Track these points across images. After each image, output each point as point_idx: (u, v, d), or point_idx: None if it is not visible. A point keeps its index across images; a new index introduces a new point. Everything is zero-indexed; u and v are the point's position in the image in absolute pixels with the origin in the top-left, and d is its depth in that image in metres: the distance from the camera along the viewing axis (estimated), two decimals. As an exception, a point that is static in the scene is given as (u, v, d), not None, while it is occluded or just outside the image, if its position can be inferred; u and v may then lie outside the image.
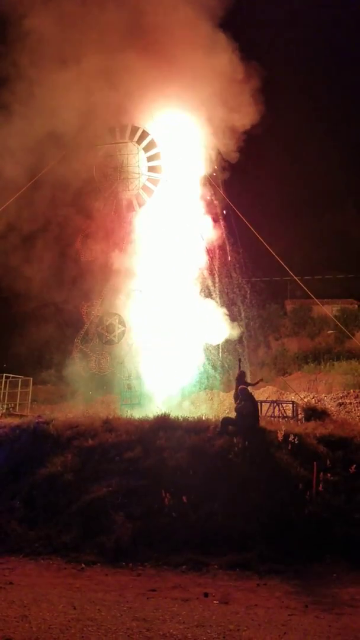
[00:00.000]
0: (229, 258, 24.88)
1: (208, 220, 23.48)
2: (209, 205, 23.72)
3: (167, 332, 21.00)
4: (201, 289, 22.57)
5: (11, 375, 23.76)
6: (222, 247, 24.22)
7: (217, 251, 23.93)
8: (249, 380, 16.60)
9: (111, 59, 21.62)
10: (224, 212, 23.98)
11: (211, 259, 23.22)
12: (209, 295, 22.54)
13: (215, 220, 23.83)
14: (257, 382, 17.67)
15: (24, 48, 21.18)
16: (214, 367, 22.50)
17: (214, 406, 21.17)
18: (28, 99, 21.25)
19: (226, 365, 22.53)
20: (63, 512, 11.98)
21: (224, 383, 23.41)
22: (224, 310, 22.38)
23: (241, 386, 15.02)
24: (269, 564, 10.25)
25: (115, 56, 21.67)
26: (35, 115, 21.12)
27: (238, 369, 16.17)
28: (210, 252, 23.48)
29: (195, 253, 22.87)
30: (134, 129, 23.50)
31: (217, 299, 22.64)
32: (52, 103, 21.14)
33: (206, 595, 8.92)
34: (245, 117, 22.95)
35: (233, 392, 15.96)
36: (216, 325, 21.75)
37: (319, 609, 8.39)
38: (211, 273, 23.22)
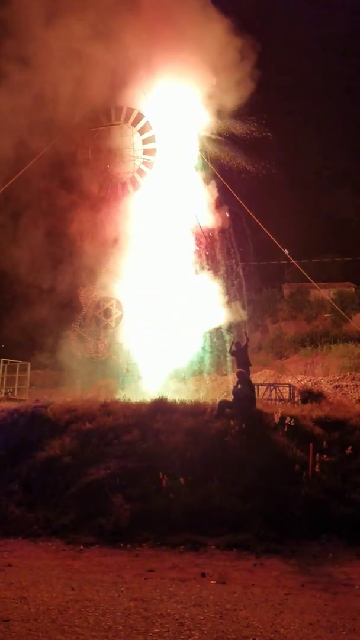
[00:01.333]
0: (225, 242, 24.84)
1: (203, 203, 23.38)
2: (204, 188, 23.60)
3: (162, 316, 21.00)
4: (196, 273, 22.53)
5: (9, 360, 23.77)
6: (217, 231, 24.17)
7: (213, 235, 23.87)
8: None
9: (104, 34, 21.34)
10: (218, 195, 23.90)
11: (207, 243, 23.15)
12: (203, 279, 22.50)
13: (210, 204, 23.75)
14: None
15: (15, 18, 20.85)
16: (209, 351, 22.54)
17: (209, 389, 21.21)
18: (20, 74, 20.93)
19: (216, 350, 22.57)
20: (61, 495, 12.05)
21: (217, 367, 23.45)
22: (219, 294, 22.37)
23: (239, 370, 15.12)
24: (266, 544, 10.31)
25: (109, 30, 21.41)
26: (27, 88, 20.85)
27: (234, 344, 16.22)
28: (205, 236, 23.42)
29: (190, 237, 22.80)
30: (129, 111, 23.31)
31: (213, 283, 22.60)
32: (43, 76, 20.85)
33: (203, 575, 8.98)
34: (239, 93, 22.78)
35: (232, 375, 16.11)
36: (211, 309, 21.75)
37: (315, 588, 8.45)
38: (206, 257, 23.16)
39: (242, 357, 15.74)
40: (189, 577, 8.92)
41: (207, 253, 23.06)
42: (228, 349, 16.64)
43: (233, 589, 8.38)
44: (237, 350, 16.01)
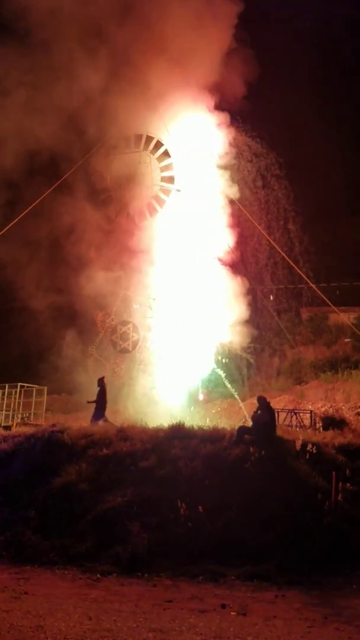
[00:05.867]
0: (243, 267, 24.88)
1: (222, 230, 23.50)
2: (224, 213, 23.73)
3: (181, 339, 21.01)
4: (216, 298, 22.50)
5: (26, 384, 23.73)
6: (235, 256, 24.22)
7: (231, 260, 23.93)
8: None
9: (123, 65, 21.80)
10: (236, 220, 24.04)
11: (227, 267, 23.22)
12: (221, 302, 22.48)
13: (230, 229, 23.86)
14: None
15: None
16: (229, 375, 22.38)
17: (230, 415, 20.96)
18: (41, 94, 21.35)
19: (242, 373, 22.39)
20: (78, 522, 11.87)
21: (240, 390, 23.20)
22: (239, 316, 22.34)
23: (259, 395, 15.02)
24: (288, 575, 10.09)
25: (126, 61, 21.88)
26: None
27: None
28: (224, 262, 23.49)
29: (209, 262, 22.87)
30: (149, 139, 23.65)
31: (233, 305, 22.57)
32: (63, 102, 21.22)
33: (223, 606, 8.76)
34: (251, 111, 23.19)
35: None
36: (230, 330, 21.75)
37: (339, 621, 8.21)
38: (226, 281, 23.15)
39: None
40: (208, 608, 8.71)
41: (225, 276, 23.06)
42: None
43: (254, 620, 8.16)
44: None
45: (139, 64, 22.00)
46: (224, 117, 23.60)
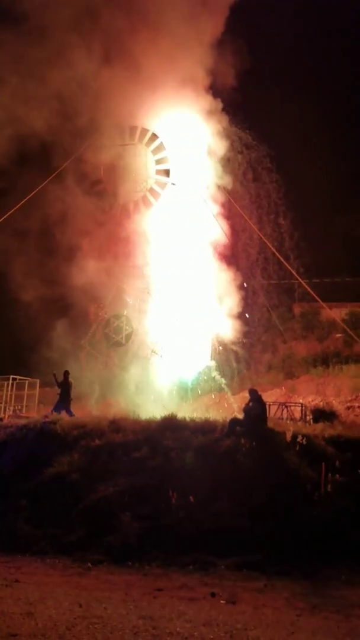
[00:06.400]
0: (235, 261, 24.93)
1: (214, 224, 23.51)
2: (216, 205, 23.76)
3: (174, 332, 21.04)
4: (208, 292, 22.53)
5: (18, 377, 23.67)
6: (227, 251, 24.26)
7: (224, 254, 23.94)
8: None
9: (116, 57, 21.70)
10: (229, 215, 24.07)
11: (219, 260, 23.23)
12: (215, 297, 22.52)
13: (221, 224, 23.87)
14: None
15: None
16: (221, 369, 22.43)
17: (220, 408, 21.05)
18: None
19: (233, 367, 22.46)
20: (70, 512, 11.93)
21: (231, 385, 23.29)
22: (231, 310, 22.39)
23: (250, 388, 15.09)
24: (277, 565, 10.14)
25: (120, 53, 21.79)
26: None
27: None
28: (216, 255, 23.50)
29: (201, 256, 22.90)
30: (144, 132, 23.59)
31: (225, 300, 22.61)
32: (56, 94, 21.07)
33: (213, 595, 8.83)
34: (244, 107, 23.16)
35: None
36: (222, 324, 21.80)
37: (328, 610, 8.29)
38: (218, 275, 23.17)
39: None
40: (198, 596, 8.78)
41: (218, 272, 23.07)
42: None
43: (243, 609, 8.23)
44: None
45: (132, 52, 21.90)
46: (215, 105, 23.59)
